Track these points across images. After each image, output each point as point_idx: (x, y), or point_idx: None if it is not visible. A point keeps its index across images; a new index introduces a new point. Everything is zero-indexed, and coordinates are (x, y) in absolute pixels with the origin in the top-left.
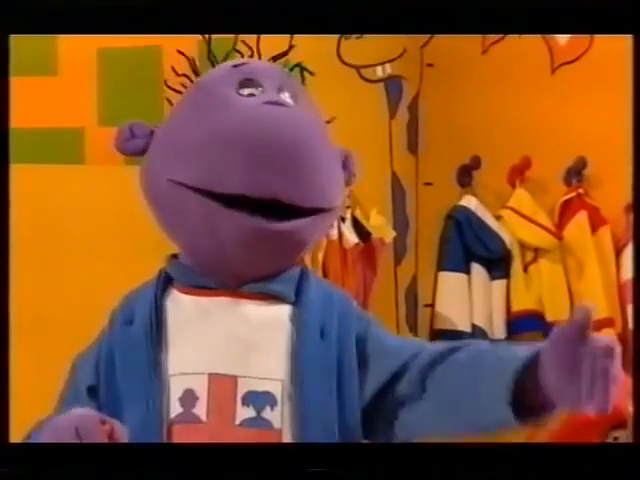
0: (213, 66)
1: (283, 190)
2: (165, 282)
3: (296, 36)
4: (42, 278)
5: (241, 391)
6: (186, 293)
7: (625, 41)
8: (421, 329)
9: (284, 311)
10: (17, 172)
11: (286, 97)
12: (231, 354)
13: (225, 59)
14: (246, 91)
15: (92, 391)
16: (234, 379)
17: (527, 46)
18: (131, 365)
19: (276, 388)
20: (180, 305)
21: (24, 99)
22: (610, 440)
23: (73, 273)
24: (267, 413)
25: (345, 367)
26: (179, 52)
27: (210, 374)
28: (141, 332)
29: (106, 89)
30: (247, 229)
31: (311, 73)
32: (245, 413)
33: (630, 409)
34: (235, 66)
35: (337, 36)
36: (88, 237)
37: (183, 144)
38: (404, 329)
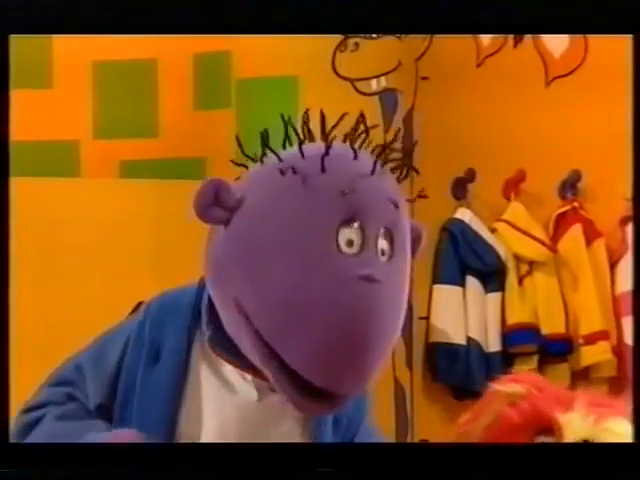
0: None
1: (340, 386)
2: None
3: (292, 47)
4: (38, 290)
5: None
6: (218, 356)
7: (620, 51)
8: (416, 342)
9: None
10: (13, 185)
11: (385, 247)
12: (241, 437)
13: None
14: (344, 238)
15: (101, 409)
16: None
17: (522, 59)
18: (145, 411)
19: None
20: (209, 364)
21: (19, 112)
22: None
23: (69, 285)
24: None
25: None
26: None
27: None
28: (165, 382)
29: (101, 102)
30: (289, 397)
31: (417, 172)
32: None
33: (556, 415)
34: (343, 194)
35: (332, 49)
36: (84, 250)
37: (260, 274)
38: (399, 342)
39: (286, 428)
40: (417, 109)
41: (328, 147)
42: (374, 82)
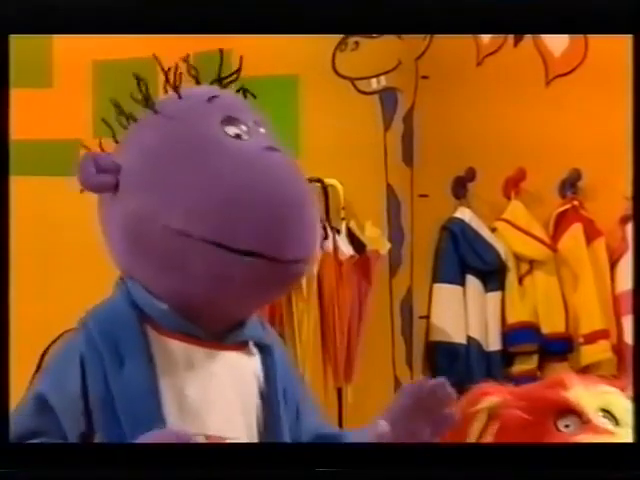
0: (197, 83)
1: (299, 249)
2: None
3: (292, 47)
4: (39, 289)
5: None
6: (170, 337)
7: (620, 50)
8: (416, 341)
9: (256, 360)
10: (13, 184)
11: (265, 133)
12: (225, 415)
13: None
14: (231, 131)
15: (84, 436)
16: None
17: (522, 58)
18: (134, 414)
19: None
20: (167, 350)
21: (19, 111)
22: (562, 428)
23: (70, 284)
24: None
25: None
26: (134, 76)
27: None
28: (139, 380)
29: (101, 101)
30: (263, 272)
31: (254, 96)
32: None
33: (565, 395)
34: (209, 100)
35: (332, 48)
36: (85, 249)
37: (180, 189)
38: (399, 341)
39: (249, 383)
40: (417, 108)
41: (175, 80)
42: (374, 81)
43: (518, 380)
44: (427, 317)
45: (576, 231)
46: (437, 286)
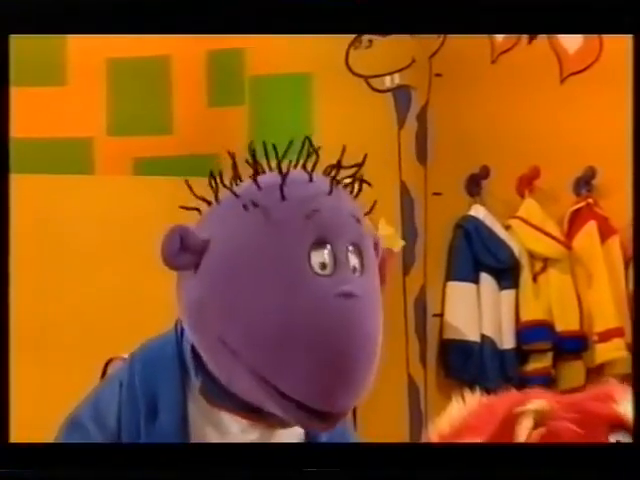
0: (254, 171)
1: (341, 405)
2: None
3: (305, 45)
4: (51, 288)
5: None
6: (214, 406)
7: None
8: (430, 339)
9: (296, 432)
10: (26, 182)
11: (356, 263)
12: None
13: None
14: (317, 261)
15: None
16: None
17: (536, 56)
18: None
19: None
20: (204, 411)
21: (33, 109)
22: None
23: (84, 282)
24: None
25: None
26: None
27: None
28: (169, 436)
29: (115, 99)
30: (292, 417)
31: (369, 185)
32: None
33: (617, 410)
34: (308, 217)
35: (346, 46)
36: (97, 247)
37: (242, 308)
38: (413, 339)
39: None
40: (431, 106)
41: (284, 175)
42: (388, 79)
43: (532, 379)
44: (441, 315)
45: (590, 229)
46: (451, 284)
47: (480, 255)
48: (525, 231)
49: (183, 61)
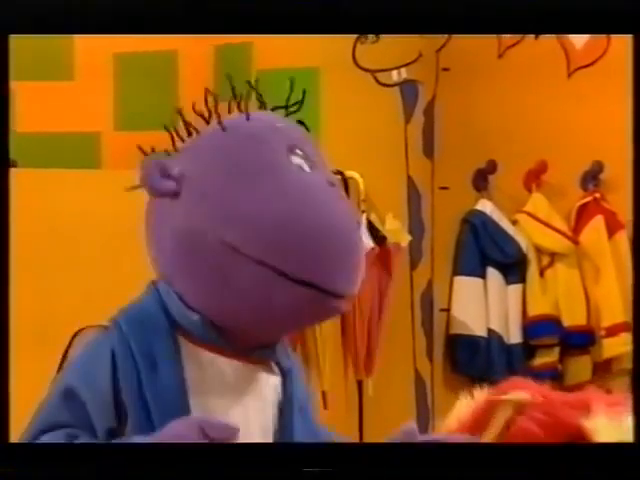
0: (238, 107)
1: (347, 285)
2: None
3: (312, 40)
4: (58, 281)
5: None
6: (200, 347)
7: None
8: (437, 334)
9: (277, 379)
10: (33, 177)
11: (325, 169)
12: (244, 422)
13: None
14: (296, 161)
15: (112, 432)
16: None
17: (543, 50)
18: (165, 417)
19: None
20: (197, 359)
21: (41, 104)
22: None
23: (92, 276)
24: None
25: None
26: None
27: None
28: (173, 387)
29: (122, 94)
30: (303, 300)
31: (308, 130)
32: None
33: (581, 422)
34: (275, 130)
35: (353, 40)
36: (104, 242)
37: (240, 208)
38: (420, 334)
39: (268, 398)
40: (438, 100)
41: (245, 103)
42: (395, 73)
43: (539, 374)
44: (448, 310)
45: (598, 224)
46: (458, 279)
47: (487, 250)
48: (532, 226)
49: (190, 56)
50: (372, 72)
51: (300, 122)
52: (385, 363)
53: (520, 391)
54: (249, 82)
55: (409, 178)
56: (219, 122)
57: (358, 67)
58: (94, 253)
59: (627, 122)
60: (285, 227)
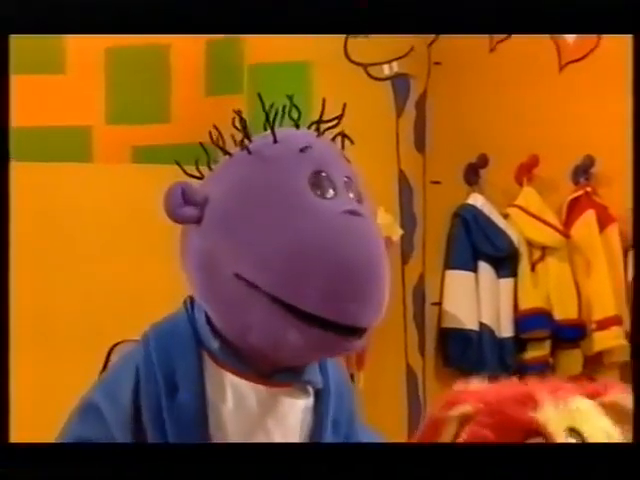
0: (265, 129)
1: (361, 317)
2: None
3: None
4: (48, 277)
5: None
6: (223, 368)
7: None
8: (428, 328)
9: (306, 401)
10: (24, 170)
11: (353, 193)
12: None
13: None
14: (318, 187)
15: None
16: None
17: (535, 44)
18: (182, 439)
19: None
20: (219, 381)
21: (32, 97)
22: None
23: (83, 271)
24: None
25: None
26: (235, 112)
27: None
28: (191, 411)
29: (114, 88)
30: (316, 341)
31: (351, 142)
32: None
33: (532, 416)
34: (302, 150)
35: (344, 34)
36: (96, 235)
37: (257, 238)
38: (411, 328)
39: (292, 421)
40: (429, 94)
41: (272, 124)
42: (386, 67)
43: (530, 367)
44: (439, 304)
45: (589, 218)
46: (449, 273)
47: (478, 244)
48: (523, 220)
49: (182, 50)
50: (364, 66)
51: (343, 135)
52: (377, 357)
53: (461, 405)
54: (290, 98)
55: (401, 172)
56: (243, 146)
57: (350, 61)
58: (87, 246)
59: (618, 116)
60: (296, 261)
